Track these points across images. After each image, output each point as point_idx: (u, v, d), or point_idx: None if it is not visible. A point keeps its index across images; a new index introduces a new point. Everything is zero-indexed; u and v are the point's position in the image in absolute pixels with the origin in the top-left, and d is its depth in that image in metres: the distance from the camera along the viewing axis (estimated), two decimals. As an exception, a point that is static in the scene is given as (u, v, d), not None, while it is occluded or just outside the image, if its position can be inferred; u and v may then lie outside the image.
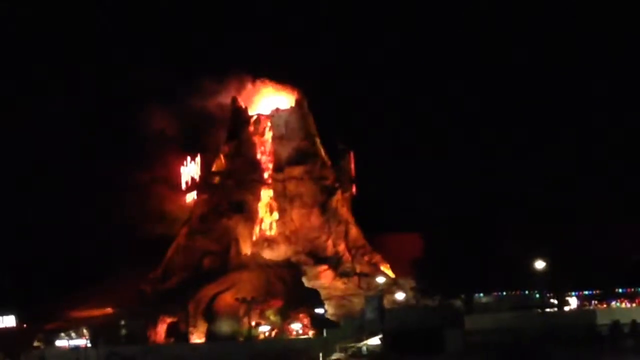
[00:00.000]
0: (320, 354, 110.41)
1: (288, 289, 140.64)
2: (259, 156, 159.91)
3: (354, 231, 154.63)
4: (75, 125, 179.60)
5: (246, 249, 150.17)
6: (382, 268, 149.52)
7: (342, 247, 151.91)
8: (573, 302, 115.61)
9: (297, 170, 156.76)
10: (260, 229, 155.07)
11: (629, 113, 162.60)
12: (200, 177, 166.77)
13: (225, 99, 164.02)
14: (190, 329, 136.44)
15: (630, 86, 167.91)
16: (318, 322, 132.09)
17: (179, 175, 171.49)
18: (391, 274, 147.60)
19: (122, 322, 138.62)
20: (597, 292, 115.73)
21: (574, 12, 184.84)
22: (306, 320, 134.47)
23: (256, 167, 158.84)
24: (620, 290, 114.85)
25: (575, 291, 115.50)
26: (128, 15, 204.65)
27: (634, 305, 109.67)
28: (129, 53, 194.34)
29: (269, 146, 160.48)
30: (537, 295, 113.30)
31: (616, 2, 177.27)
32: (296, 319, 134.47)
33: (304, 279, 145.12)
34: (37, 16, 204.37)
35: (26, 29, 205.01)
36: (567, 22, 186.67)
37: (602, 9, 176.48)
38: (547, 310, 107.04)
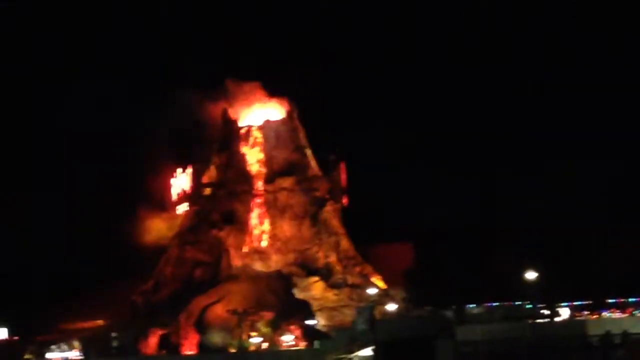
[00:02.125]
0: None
1: (279, 300, 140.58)
2: (249, 167, 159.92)
3: (345, 242, 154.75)
4: (62, 139, 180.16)
5: (237, 260, 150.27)
6: (373, 279, 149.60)
7: (333, 258, 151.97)
8: (564, 313, 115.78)
9: (288, 182, 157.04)
10: (251, 240, 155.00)
11: (626, 121, 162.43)
12: (191, 188, 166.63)
13: (216, 110, 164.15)
14: (182, 340, 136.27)
15: (629, 92, 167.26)
16: (309, 334, 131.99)
17: (169, 187, 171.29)
18: (382, 285, 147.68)
19: (114, 334, 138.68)
20: (589, 302, 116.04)
21: (574, 13, 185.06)
22: (297, 332, 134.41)
23: (247, 178, 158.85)
24: (611, 300, 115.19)
25: (566, 302, 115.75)
26: (121, 23, 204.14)
27: (625, 315, 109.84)
28: (121, 62, 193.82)
29: (259, 157, 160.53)
30: (529, 306, 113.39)
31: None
32: (287, 331, 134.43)
33: (295, 291, 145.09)
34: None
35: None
36: (569, 23, 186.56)
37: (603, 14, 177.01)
38: (539, 320, 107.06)
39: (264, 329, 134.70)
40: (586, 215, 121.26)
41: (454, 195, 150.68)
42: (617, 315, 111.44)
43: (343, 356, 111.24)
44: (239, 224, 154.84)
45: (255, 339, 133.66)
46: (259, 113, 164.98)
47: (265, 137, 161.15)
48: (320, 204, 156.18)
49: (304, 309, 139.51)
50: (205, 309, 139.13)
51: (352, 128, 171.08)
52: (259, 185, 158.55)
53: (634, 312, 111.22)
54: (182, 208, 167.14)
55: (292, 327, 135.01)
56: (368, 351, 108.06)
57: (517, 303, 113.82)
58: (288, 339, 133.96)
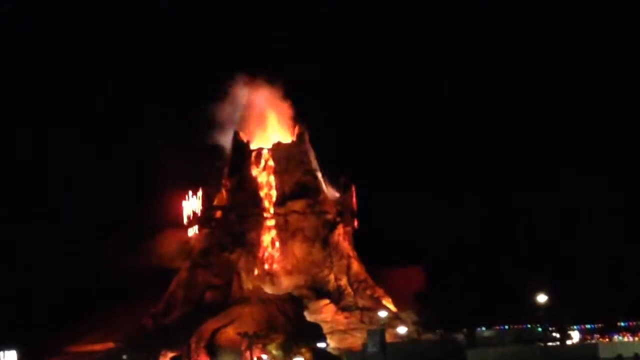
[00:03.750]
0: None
1: (290, 323, 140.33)
2: (260, 190, 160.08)
3: (355, 265, 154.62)
4: (74, 157, 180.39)
5: (248, 283, 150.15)
6: (384, 302, 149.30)
7: (344, 281, 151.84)
8: (575, 336, 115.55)
9: (299, 204, 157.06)
10: (262, 263, 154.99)
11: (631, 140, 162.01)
12: (202, 211, 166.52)
13: (227, 133, 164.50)
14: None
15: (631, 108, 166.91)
16: (320, 357, 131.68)
17: (181, 210, 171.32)
18: (393, 308, 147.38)
19: (124, 357, 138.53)
20: (600, 325, 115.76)
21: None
22: (308, 355, 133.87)
23: (258, 201, 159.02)
24: (622, 323, 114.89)
25: (577, 325, 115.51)
26: (129, 43, 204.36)
27: (636, 338, 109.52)
28: (131, 85, 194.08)
29: (270, 180, 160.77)
30: (540, 329, 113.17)
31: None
32: (298, 354, 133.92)
33: (305, 313, 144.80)
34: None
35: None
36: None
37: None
38: (550, 344, 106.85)
39: (275, 352, 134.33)
40: (597, 236, 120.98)
41: (464, 218, 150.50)
42: (628, 338, 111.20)
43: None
44: (250, 247, 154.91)
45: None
46: (270, 135, 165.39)
47: (276, 159, 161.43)
48: (331, 226, 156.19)
49: (315, 332, 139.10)
50: (216, 331, 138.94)
51: (363, 151, 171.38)
52: (270, 208, 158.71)
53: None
54: (193, 231, 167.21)
55: (303, 350, 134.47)
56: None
57: (528, 326, 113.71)
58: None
